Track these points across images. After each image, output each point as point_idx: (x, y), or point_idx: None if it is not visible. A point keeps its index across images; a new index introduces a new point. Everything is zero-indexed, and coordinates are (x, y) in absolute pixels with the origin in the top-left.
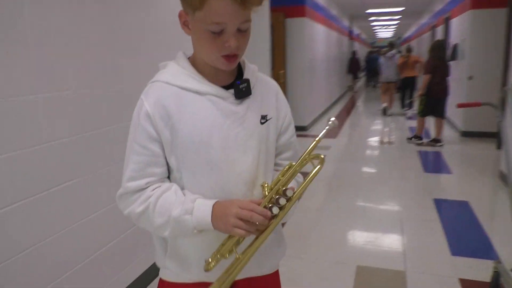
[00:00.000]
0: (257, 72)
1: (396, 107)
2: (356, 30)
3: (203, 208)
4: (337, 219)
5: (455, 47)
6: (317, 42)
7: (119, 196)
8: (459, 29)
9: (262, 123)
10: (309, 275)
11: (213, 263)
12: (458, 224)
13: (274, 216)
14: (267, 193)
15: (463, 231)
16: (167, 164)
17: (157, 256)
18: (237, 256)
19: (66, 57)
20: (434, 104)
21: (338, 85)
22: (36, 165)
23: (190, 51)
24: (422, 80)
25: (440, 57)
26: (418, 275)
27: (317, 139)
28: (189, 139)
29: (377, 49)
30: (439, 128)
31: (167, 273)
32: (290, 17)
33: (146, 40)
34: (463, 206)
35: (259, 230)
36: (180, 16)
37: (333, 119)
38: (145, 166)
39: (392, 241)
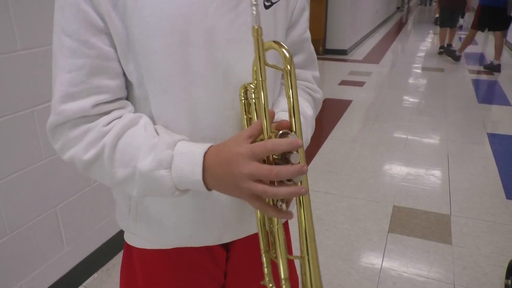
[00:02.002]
0: None
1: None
2: None
3: (187, 160)
4: (373, 152)
5: None
6: None
7: (52, 128)
8: None
9: (266, 7)
10: (339, 213)
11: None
12: None
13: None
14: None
15: None
16: (124, 74)
17: (120, 216)
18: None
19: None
20: (449, 15)
21: (385, 5)
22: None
23: None
24: None
25: None
26: (465, 220)
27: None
28: (154, 30)
29: None
30: (451, 36)
31: (134, 239)
32: None
33: None
34: None
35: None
36: None
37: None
38: (88, 75)
39: (436, 180)
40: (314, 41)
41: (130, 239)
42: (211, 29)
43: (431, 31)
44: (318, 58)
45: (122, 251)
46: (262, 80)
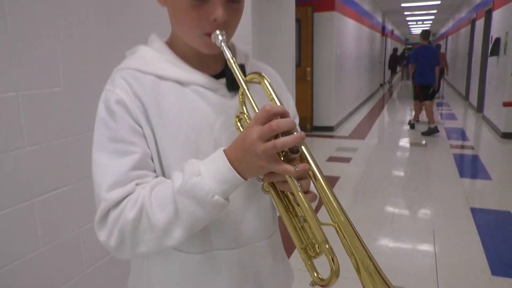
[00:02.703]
0: (252, 58)
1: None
2: (390, 26)
3: (213, 158)
4: (361, 228)
5: (496, 41)
6: (347, 38)
7: (102, 215)
8: (502, 22)
9: None
10: None
11: (316, 274)
12: (499, 238)
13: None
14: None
15: (506, 246)
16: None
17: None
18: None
19: (56, 51)
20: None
21: (369, 82)
22: (19, 172)
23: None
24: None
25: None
26: None
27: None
28: (170, 141)
29: (412, 46)
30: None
31: None
32: (318, 12)
33: (145, 35)
34: (505, 217)
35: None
36: None
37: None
38: (132, 169)
39: (423, 257)
40: (302, 119)
41: None
42: (216, 140)
43: (413, 106)
44: (306, 135)
45: None
46: (247, 89)
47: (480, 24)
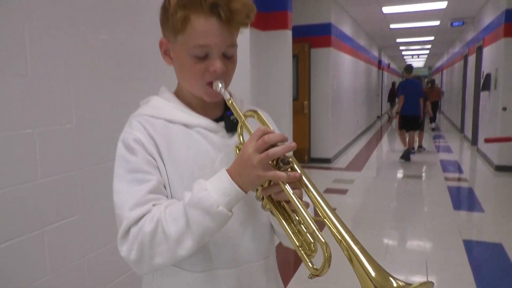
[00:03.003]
0: (246, 103)
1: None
2: (386, 60)
3: (217, 176)
4: None
5: (487, 77)
6: (343, 72)
7: (124, 232)
8: (492, 58)
9: None
10: None
11: (313, 267)
12: (491, 269)
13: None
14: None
15: (497, 278)
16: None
17: None
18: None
19: (68, 90)
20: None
21: (366, 115)
22: (31, 202)
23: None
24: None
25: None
26: None
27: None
28: (178, 175)
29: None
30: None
31: None
32: (315, 47)
33: (151, 74)
34: (497, 249)
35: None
36: (160, 44)
37: None
38: (149, 193)
39: None
40: (300, 150)
41: None
42: (217, 173)
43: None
44: (304, 167)
45: None
46: (244, 120)
47: (472, 59)
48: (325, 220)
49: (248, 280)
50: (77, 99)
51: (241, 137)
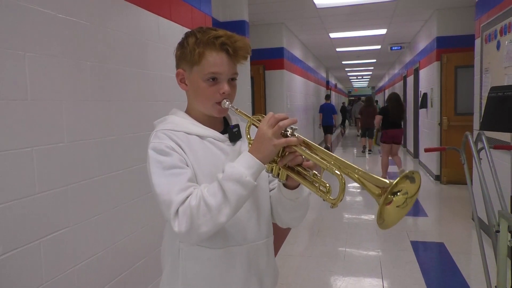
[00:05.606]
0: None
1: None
2: (333, 80)
3: (241, 156)
4: (319, 264)
5: (424, 96)
6: (295, 92)
7: (175, 211)
8: (427, 79)
9: None
10: None
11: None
12: (435, 265)
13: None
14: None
15: (440, 272)
16: None
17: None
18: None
19: (61, 112)
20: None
21: (318, 131)
22: (29, 215)
23: (180, 107)
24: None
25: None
26: None
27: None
28: (200, 171)
29: (356, 98)
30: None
31: None
32: (269, 70)
33: (138, 95)
34: (440, 248)
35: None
36: (177, 75)
37: None
38: (186, 181)
39: (372, 286)
40: None
41: None
42: None
43: (368, 151)
44: None
45: None
46: (252, 119)
47: (410, 80)
48: (332, 161)
49: (254, 255)
50: (68, 120)
51: (248, 135)
